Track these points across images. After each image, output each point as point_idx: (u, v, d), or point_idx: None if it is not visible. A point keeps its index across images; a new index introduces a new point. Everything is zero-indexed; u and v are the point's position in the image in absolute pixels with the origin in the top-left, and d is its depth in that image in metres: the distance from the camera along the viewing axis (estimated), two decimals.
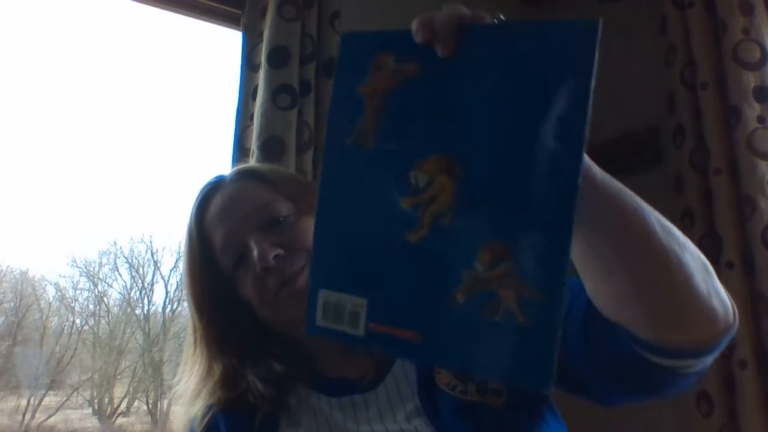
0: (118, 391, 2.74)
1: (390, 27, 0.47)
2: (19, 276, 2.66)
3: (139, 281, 2.82)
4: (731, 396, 1.41)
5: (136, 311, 2.85)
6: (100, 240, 2.79)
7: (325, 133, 0.49)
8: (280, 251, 0.72)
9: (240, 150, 1.44)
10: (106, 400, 2.72)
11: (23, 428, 2.44)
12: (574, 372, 0.60)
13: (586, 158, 0.44)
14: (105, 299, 2.81)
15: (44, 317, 2.68)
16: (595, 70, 0.40)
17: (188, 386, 0.78)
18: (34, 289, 2.69)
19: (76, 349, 2.66)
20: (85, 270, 2.71)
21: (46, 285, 2.73)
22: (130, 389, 2.75)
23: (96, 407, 2.70)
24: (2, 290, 2.60)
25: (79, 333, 2.73)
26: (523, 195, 0.41)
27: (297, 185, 0.82)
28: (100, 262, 2.77)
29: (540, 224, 0.40)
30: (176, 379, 0.81)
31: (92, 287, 2.77)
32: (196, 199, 0.81)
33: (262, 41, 1.48)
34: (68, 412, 2.59)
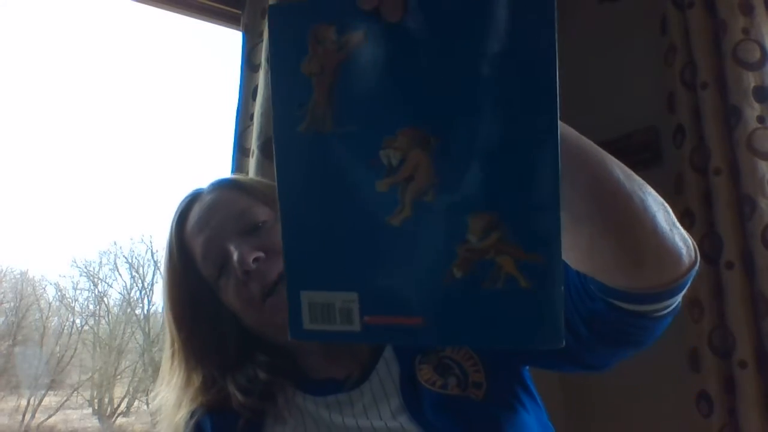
0: (118, 391, 2.74)
1: None
2: (19, 276, 2.66)
3: (139, 281, 2.82)
4: (731, 396, 1.41)
5: (136, 311, 2.85)
6: (100, 240, 2.79)
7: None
8: (261, 254, 0.72)
9: (240, 150, 1.44)
10: (106, 400, 2.72)
11: (23, 428, 2.44)
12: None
13: None
14: (105, 299, 2.81)
15: (44, 317, 2.68)
16: (556, 13, 0.37)
17: (168, 398, 0.79)
18: (34, 289, 2.69)
19: (76, 349, 2.66)
20: (85, 270, 2.72)
21: (46, 285, 2.73)
22: (130, 389, 2.75)
23: (96, 407, 2.70)
24: (2, 290, 2.60)
25: (79, 333, 2.73)
26: (503, 158, 0.39)
27: (274, 191, 0.82)
28: (100, 262, 2.77)
29: (526, 185, 0.39)
30: (153, 393, 0.82)
31: (92, 287, 2.77)
32: (175, 212, 0.82)
33: (262, 41, 1.48)
34: (68, 412, 2.59)
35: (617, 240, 0.51)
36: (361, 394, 0.73)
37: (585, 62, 1.82)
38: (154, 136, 2.72)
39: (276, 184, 0.44)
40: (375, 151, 0.41)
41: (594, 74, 1.85)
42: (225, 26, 1.67)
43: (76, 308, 2.78)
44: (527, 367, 0.76)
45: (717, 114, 1.49)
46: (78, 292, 2.78)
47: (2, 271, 2.60)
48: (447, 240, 0.40)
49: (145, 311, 2.85)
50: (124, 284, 2.82)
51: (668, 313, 0.57)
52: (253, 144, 1.40)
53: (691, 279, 0.55)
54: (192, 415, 0.76)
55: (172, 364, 0.80)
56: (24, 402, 2.49)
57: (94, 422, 2.65)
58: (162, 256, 0.83)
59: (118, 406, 2.72)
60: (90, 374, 2.75)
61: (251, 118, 1.44)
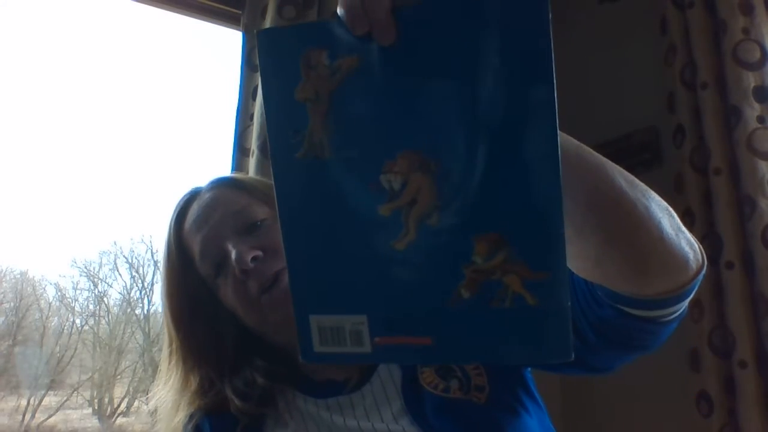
0: (118, 391, 2.74)
1: None
2: (19, 276, 2.66)
3: (139, 281, 2.82)
4: (731, 396, 1.41)
5: (136, 311, 2.85)
6: (100, 240, 2.79)
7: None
8: (259, 253, 0.71)
9: (240, 150, 1.44)
10: (106, 400, 2.72)
11: (23, 428, 2.44)
12: None
13: None
14: (105, 299, 2.81)
15: (44, 317, 2.68)
16: (551, 30, 0.37)
17: (165, 400, 0.78)
18: (34, 289, 2.69)
19: (76, 349, 2.66)
20: (85, 270, 2.71)
21: (46, 285, 2.73)
22: (130, 389, 2.75)
23: (96, 407, 2.70)
24: (2, 290, 2.60)
25: (79, 333, 2.73)
26: (505, 178, 0.39)
27: (272, 190, 0.82)
28: (100, 262, 2.77)
29: (528, 205, 0.39)
30: (151, 393, 0.81)
31: (92, 287, 2.77)
32: (174, 211, 0.81)
33: None
34: (68, 412, 2.59)
35: (623, 248, 0.50)
36: (362, 397, 0.72)
37: (585, 62, 1.82)
38: (154, 136, 2.72)
39: (276, 209, 0.43)
40: (375, 175, 0.40)
41: (594, 74, 1.85)
42: (225, 26, 1.67)
43: (76, 308, 2.78)
44: (529, 369, 0.76)
45: (717, 114, 1.49)
46: (78, 292, 2.78)
47: (2, 271, 2.60)
48: (453, 261, 0.41)
49: (145, 311, 2.85)
50: (124, 284, 2.82)
51: (676, 317, 0.57)
52: (253, 144, 1.40)
53: (699, 283, 0.55)
54: (190, 418, 0.75)
55: (169, 363, 0.79)
56: (24, 402, 2.49)
57: (94, 422, 2.65)
58: (161, 255, 0.82)
59: (118, 406, 2.72)
60: (90, 374, 2.75)
61: (251, 118, 1.44)
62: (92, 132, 2.62)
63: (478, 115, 0.39)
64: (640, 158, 1.75)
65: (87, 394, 2.70)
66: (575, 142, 0.48)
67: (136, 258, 2.80)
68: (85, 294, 2.81)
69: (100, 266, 2.77)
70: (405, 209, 0.41)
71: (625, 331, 0.58)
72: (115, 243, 2.79)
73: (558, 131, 0.38)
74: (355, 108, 0.40)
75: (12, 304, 2.60)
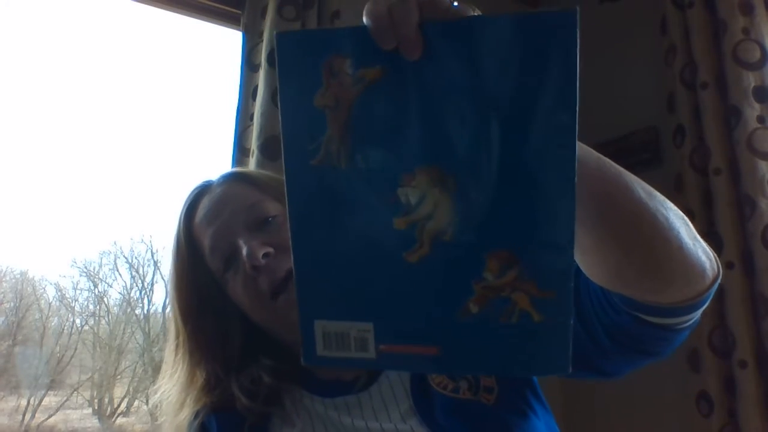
0: (118, 391, 2.74)
1: None
2: (19, 276, 2.66)
3: (139, 281, 2.82)
4: (731, 396, 1.41)
5: (136, 311, 2.85)
6: (100, 240, 2.79)
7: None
8: (270, 249, 0.71)
9: (240, 150, 1.44)
10: (106, 400, 2.72)
11: (23, 428, 2.44)
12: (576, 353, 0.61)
13: None
14: (105, 299, 2.81)
15: (44, 317, 2.68)
16: (578, 59, 0.38)
17: (170, 395, 0.78)
18: (34, 289, 2.69)
19: (76, 349, 2.66)
20: (85, 270, 2.71)
21: (46, 285, 2.73)
22: (130, 389, 2.74)
23: (96, 407, 2.70)
24: (2, 290, 2.60)
25: (79, 333, 2.73)
26: (520, 199, 0.40)
27: (284, 186, 0.82)
28: (100, 262, 2.77)
29: (542, 226, 0.40)
30: (156, 386, 0.81)
31: (92, 287, 2.77)
32: (184, 204, 0.81)
33: (262, 41, 1.48)
34: (68, 412, 2.59)
35: (643, 258, 0.51)
36: (370, 397, 0.72)
37: (585, 62, 1.82)
38: (154, 136, 2.73)
39: (287, 214, 0.43)
40: (392, 188, 0.41)
41: (594, 74, 1.85)
42: (225, 26, 1.67)
43: (76, 308, 2.78)
44: None
45: (717, 114, 1.49)
46: (78, 292, 2.78)
47: (2, 271, 2.60)
48: (464, 277, 0.41)
49: (145, 311, 2.84)
50: (124, 284, 2.82)
51: (690, 325, 0.58)
52: (253, 144, 1.41)
53: (714, 291, 0.55)
54: (196, 415, 0.74)
55: (176, 356, 0.78)
56: (24, 402, 2.49)
57: (94, 422, 2.65)
58: (168, 250, 0.81)
59: (118, 406, 2.72)
60: (90, 374, 2.75)
61: (251, 118, 1.44)
62: (92, 132, 2.62)
63: (498, 135, 0.39)
64: (640, 158, 1.75)
65: (87, 394, 2.70)
66: (595, 153, 0.49)
67: (136, 258, 2.80)
68: (85, 294, 2.81)
69: (100, 266, 2.77)
70: (420, 223, 0.41)
71: (640, 337, 0.58)
72: (115, 243, 2.79)
73: (577, 155, 0.39)
74: (376, 119, 0.40)
75: (12, 304, 2.60)
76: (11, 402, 2.48)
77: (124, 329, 2.79)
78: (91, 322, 2.78)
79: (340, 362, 0.44)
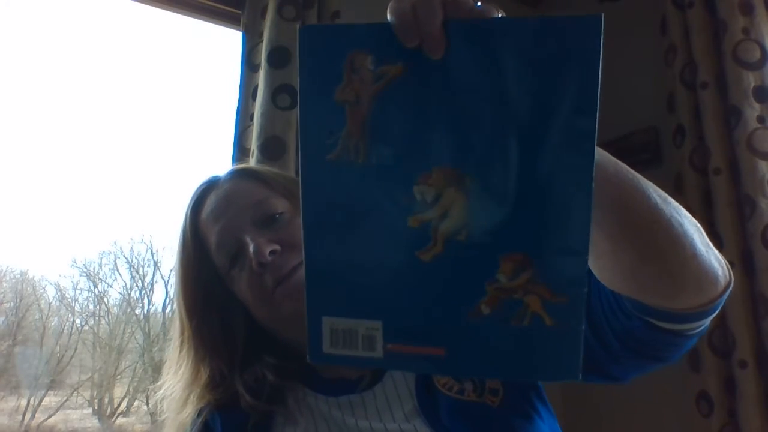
0: (118, 391, 2.74)
1: None
2: (19, 276, 2.66)
3: (139, 281, 2.81)
4: (731, 396, 1.41)
5: (136, 311, 2.85)
6: (100, 240, 2.79)
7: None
8: (277, 247, 0.71)
9: (240, 150, 1.44)
10: (106, 400, 2.72)
11: (23, 428, 2.44)
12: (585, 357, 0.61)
13: None
14: (105, 299, 2.81)
15: (44, 317, 2.68)
16: (600, 65, 0.38)
17: (174, 392, 0.77)
18: (34, 289, 2.69)
19: (76, 349, 2.66)
20: (85, 270, 2.71)
21: (46, 285, 2.73)
22: (130, 389, 2.74)
23: (96, 407, 2.70)
24: (2, 290, 2.60)
25: (79, 333, 2.73)
26: (538, 201, 0.40)
27: (292, 183, 0.81)
28: (100, 262, 2.77)
29: (557, 229, 0.40)
30: (161, 382, 0.80)
31: (92, 287, 2.77)
32: (191, 199, 0.81)
33: (262, 41, 1.48)
34: (68, 412, 2.59)
35: (658, 265, 0.51)
36: (374, 396, 0.71)
37: None
38: (154, 136, 2.73)
39: (300, 206, 0.43)
40: (409, 185, 0.41)
41: None
42: (225, 26, 1.67)
43: (76, 308, 2.78)
44: None
45: (717, 114, 1.49)
46: (78, 292, 2.78)
47: (2, 271, 2.60)
48: (477, 277, 0.41)
49: (145, 311, 2.84)
50: (124, 284, 2.82)
51: (700, 331, 0.58)
52: (253, 144, 1.41)
53: (726, 298, 0.55)
54: (199, 413, 0.74)
55: (180, 352, 0.78)
56: (24, 402, 2.49)
57: (94, 422, 2.65)
58: (171, 248, 0.82)
59: (118, 406, 2.72)
60: (90, 374, 2.75)
61: (251, 118, 1.44)
62: (92, 132, 2.62)
63: (517, 138, 0.39)
64: (640, 158, 1.75)
65: (87, 394, 2.70)
66: (613, 159, 0.49)
67: (136, 258, 2.80)
68: (85, 294, 2.81)
69: (100, 266, 2.76)
70: (435, 222, 0.41)
71: (651, 342, 0.58)
72: (115, 243, 2.79)
73: (595, 161, 0.39)
74: (395, 116, 0.40)
75: (12, 304, 2.60)
76: (11, 402, 2.48)
77: (124, 329, 2.79)
78: (91, 322, 2.78)
79: (346, 360, 0.44)
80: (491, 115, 0.39)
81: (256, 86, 1.46)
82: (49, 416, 2.53)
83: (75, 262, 2.70)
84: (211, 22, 1.67)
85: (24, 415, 2.47)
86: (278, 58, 1.43)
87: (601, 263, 0.54)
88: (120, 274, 2.78)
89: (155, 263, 2.80)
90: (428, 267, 0.41)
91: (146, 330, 2.79)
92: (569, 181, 0.39)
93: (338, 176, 0.41)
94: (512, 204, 0.40)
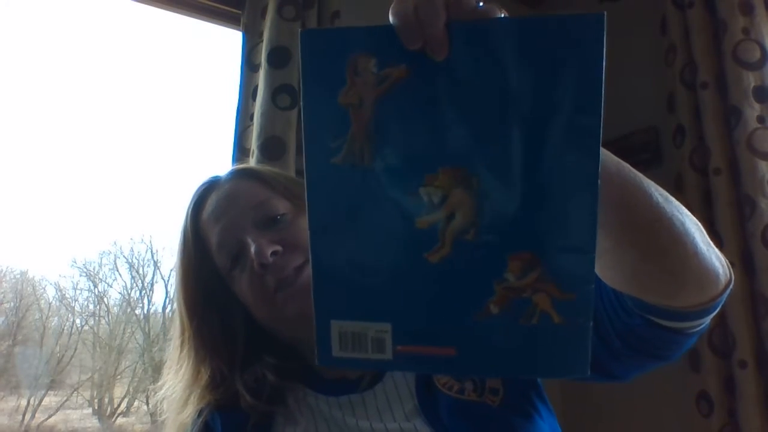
0: (118, 391, 2.74)
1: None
2: (19, 276, 2.66)
3: (139, 281, 2.81)
4: (731, 396, 1.41)
5: (136, 311, 2.85)
6: (100, 240, 2.79)
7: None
8: (278, 248, 0.71)
9: (240, 150, 1.44)
10: (106, 400, 2.72)
11: (23, 428, 2.44)
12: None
13: None
14: (105, 299, 2.81)
15: (44, 317, 2.68)
16: (605, 63, 0.38)
17: (174, 392, 0.77)
18: (34, 289, 2.69)
19: (76, 349, 2.66)
20: (85, 270, 2.71)
21: (46, 285, 2.73)
22: (130, 389, 2.74)
23: (96, 407, 2.70)
24: (2, 290, 2.60)
25: (79, 333, 2.73)
26: (543, 200, 0.40)
27: (293, 184, 0.81)
28: (100, 262, 2.77)
29: (565, 229, 0.40)
30: (161, 382, 0.80)
31: (92, 287, 2.77)
32: (192, 199, 0.81)
33: (262, 41, 1.48)
34: (68, 412, 2.59)
35: (660, 263, 0.51)
36: (374, 396, 0.71)
37: None
38: (154, 136, 2.73)
39: (306, 211, 0.43)
40: (415, 187, 0.41)
41: None
42: (225, 26, 1.67)
43: (76, 308, 2.78)
44: None
45: (717, 114, 1.49)
46: (78, 292, 2.78)
47: (2, 271, 2.60)
48: (485, 277, 0.41)
49: (145, 311, 2.84)
50: (124, 284, 2.82)
51: (701, 330, 0.58)
52: (253, 144, 1.40)
53: (727, 297, 0.56)
54: (200, 413, 0.74)
55: (180, 352, 0.78)
56: (24, 402, 2.49)
57: (94, 422, 2.65)
58: (171, 248, 0.82)
59: (118, 406, 2.72)
60: (90, 374, 2.75)
61: (251, 118, 1.44)
62: (92, 132, 2.62)
63: (523, 137, 0.39)
64: (640, 158, 1.75)
65: (87, 394, 2.70)
66: (615, 158, 0.49)
67: (136, 258, 2.80)
68: (85, 294, 2.81)
69: (100, 266, 2.76)
70: (442, 223, 0.41)
71: (652, 340, 0.58)
72: (115, 243, 2.79)
73: (600, 160, 0.39)
74: (400, 119, 0.40)
75: (12, 304, 2.60)
76: (11, 402, 2.48)
77: (124, 329, 2.79)
78: (91, 322, 2.78)
79: (356, 363, 0.44)
80: (495, 115, 0.39)
81: (256, 86, 1.46)
82: (49, 416, 2.53)
83: (75, 262, 2.70)
84: (211, 22, 1.67)
85: (24, 415, 2.47)
86: (278, 58, 1.43)
87: (603, 261, 0.54)
88: (120, 274, 2.78)
89: (155, 263, 2.80)
90: (437, 268, 0.41)
91: (146, 330, 2.79)
92: (575, 180, 0.39)
93: (344, 180, 0.41)
94: (519, 203, 0.40)
